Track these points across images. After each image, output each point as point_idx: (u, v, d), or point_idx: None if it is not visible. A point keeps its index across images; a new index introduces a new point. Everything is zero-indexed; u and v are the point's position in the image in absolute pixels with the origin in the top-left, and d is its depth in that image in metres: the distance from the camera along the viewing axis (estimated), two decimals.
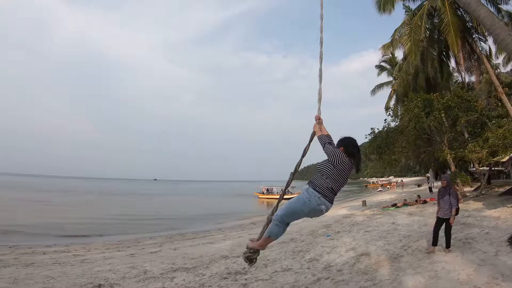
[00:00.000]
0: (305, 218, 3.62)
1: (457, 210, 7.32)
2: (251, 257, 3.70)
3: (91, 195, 53.56)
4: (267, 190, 52.64)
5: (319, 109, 3.89)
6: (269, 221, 3.53)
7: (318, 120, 3.75)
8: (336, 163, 3.20)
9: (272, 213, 3.54)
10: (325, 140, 3.42)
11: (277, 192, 49.56)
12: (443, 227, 7.29)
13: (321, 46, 4.25)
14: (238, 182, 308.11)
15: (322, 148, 3.41)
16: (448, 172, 21.64)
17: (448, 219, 7.15)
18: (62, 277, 7.93)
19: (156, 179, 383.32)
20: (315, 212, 3.27)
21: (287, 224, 3.52)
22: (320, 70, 4.11)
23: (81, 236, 16.99)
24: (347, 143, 3.38)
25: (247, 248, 3.69)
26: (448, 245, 7.15)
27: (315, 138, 3.61)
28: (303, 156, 3.74)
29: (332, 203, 3.32)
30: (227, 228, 19.56)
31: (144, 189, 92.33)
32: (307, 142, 3.73)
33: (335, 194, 3.32)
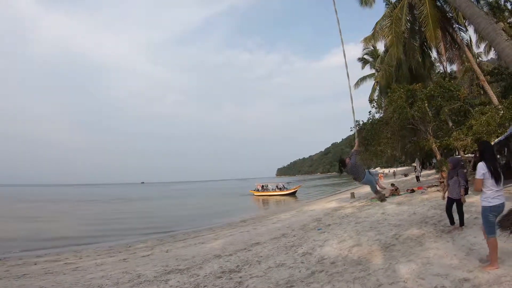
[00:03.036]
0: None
1: (466, 189, 7.57)
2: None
3: (71, 202, 51.56)
4: (262, 187, 51.50)
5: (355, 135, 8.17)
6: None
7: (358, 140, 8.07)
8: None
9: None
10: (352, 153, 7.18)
11: (273, 189, 49.10)
12: (454, 207, 7.62)
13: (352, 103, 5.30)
14: (226, 181, 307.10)
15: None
16: (434, 161, 21.93)
17: (459, 199, 7.43)
18: (56, 287, 7.87)
19: (143, 182, 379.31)
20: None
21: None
22: (353, 115, 6.94)
23: (72, 244, 16.67)
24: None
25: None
26: (462, 223, 7.49)
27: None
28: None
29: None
30: (218, 227, 19.51)
31: (132, 193, 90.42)
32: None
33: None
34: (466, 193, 7.56)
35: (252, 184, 61.18)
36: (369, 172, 7.06)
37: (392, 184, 20.96)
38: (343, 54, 4.63)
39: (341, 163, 7.09)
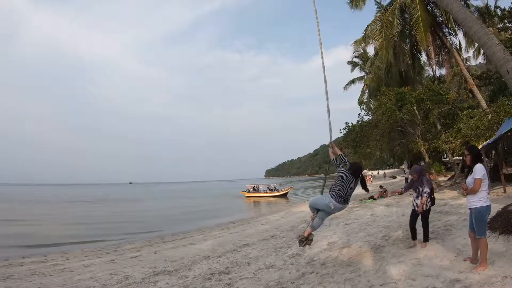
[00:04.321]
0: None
1: (433, 200, 6.93)
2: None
3: (58, 203, 50.32)
4: (254, 188, 51.04)
5: (330, 136, 5.80)
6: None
7: (331, 145, 5.76)
8: (342, 179, 5.26)
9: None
10: (336, 163, 5.49)
11: (264, 190, 48.74)
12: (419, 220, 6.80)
13: (327, 97, 5.04)
14: (214, 182, 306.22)
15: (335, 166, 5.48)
16: (422, 163, 22.14)
17: (425, 211, 6.63)
18: None
19: (131, 183, 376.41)
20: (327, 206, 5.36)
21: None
22: (328, 107, 5.73)
23: (58, 244, 16.37)
24: (351, 167, 5.34)
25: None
26: (426, 238, 6.68)
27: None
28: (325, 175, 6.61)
29: (340, 203, 5.30)
30: (207, 228, 19.39)
31: (118, 193, 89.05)
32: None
33: (345, 198, 5.32)
34: (432, 203, 6.86)
35: (241, 185, 60.96)
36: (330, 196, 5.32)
37: (381, 186, 21.09)
38: (322, 65, 4.66)
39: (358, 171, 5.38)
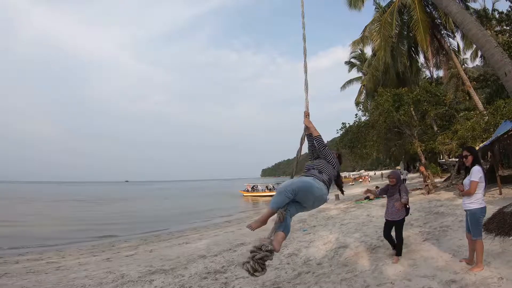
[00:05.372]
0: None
1: (408, 210, 6.35)
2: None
3: (55, 201, 49.79)
4: (252, 188, 51.29)
5: (306, 100, 4.42)
6: None
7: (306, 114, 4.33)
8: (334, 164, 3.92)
9: None
10: (326, 143, 4.10)
11: (262, 190, 48.73)
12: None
13: (304, 42, 4.53)
14: (210, 181, 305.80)
15: (320, 147, 4.03)
16: (418, 164, 22.20)
17: (398, 221, 6.19)
18: (37, 287, 7.71)
19: (127, 181, 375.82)
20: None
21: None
22: (305, 62, 4.52)
23: (52, 244, 16.30)
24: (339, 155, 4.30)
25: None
26: (399, 252, 6.15)
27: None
28: (298, 153, 4.37)
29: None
30: (202, 227, 19.37)
31: (115, 192, 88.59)
32: (301, 140, 4.32)
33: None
34: (406, 213, 6.29)
35: (237, 184, 60.90)
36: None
37: (377, 187, 21.12)
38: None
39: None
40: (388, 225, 6.39)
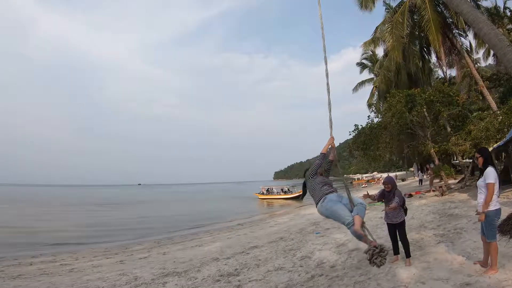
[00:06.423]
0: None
1: (405, 211, 6.47)
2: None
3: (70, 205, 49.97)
4: (267, 190, 50.84)
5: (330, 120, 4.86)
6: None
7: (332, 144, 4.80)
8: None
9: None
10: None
11: (277, 192, 48.42)
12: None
13: (328, 92, 4.86)
14: (223, 183, 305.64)
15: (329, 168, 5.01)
16: (432, 165, 21.97)
17: (398, 223, 6.27)
18: None
19: (140, 184, 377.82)
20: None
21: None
22: (329, 100, 4.87)
23: (66, 244, 16.52)
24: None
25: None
26: (408, 254, 6.14)
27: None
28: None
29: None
30: (215, 230, 19.43)
31: (128, 195, 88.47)
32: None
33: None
34: (405, 214, 6.36)
35: (250, 187, 60.81)
36: (337, 195, 4.57)
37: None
38: (325, 70, 4.61)
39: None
40: (390, 228, 6.47)
